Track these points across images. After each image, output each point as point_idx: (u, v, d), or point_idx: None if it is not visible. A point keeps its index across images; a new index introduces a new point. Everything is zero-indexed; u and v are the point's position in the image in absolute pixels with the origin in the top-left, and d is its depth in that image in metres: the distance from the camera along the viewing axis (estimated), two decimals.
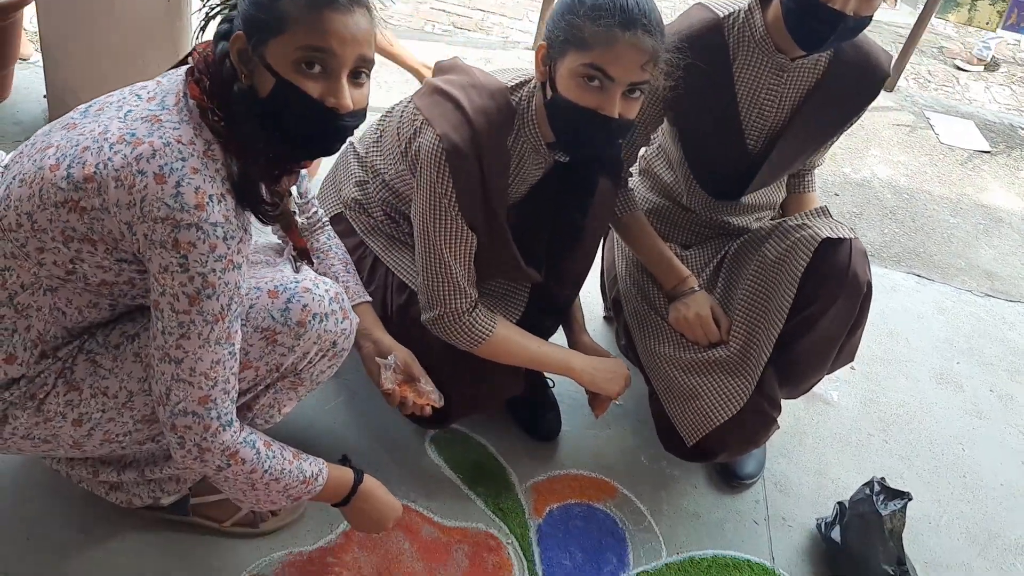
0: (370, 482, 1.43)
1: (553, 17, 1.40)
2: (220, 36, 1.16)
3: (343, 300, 1.36)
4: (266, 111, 1.13)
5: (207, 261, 1.09)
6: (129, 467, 1.42)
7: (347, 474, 1.40)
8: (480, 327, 1.55)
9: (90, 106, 1.18)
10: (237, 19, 1.14)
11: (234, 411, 1.23)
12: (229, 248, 1.10)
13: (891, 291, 2.75)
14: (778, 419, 1.76)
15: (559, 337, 1.79)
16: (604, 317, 2.25)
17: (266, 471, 1.26)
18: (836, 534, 1.77)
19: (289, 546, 1.55)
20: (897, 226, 3.23)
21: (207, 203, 1.08)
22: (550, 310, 1.71)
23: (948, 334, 2.63)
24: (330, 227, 1.63)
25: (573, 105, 1.38)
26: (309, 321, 1.29)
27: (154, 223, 1.06)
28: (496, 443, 1.86)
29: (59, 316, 1.22)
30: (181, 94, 1.14)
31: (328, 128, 1.15)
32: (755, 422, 1.71)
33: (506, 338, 1.58)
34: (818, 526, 1.84)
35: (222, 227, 1.09)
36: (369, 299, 1.60)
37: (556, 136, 1.47)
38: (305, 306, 1.29)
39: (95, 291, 1.20)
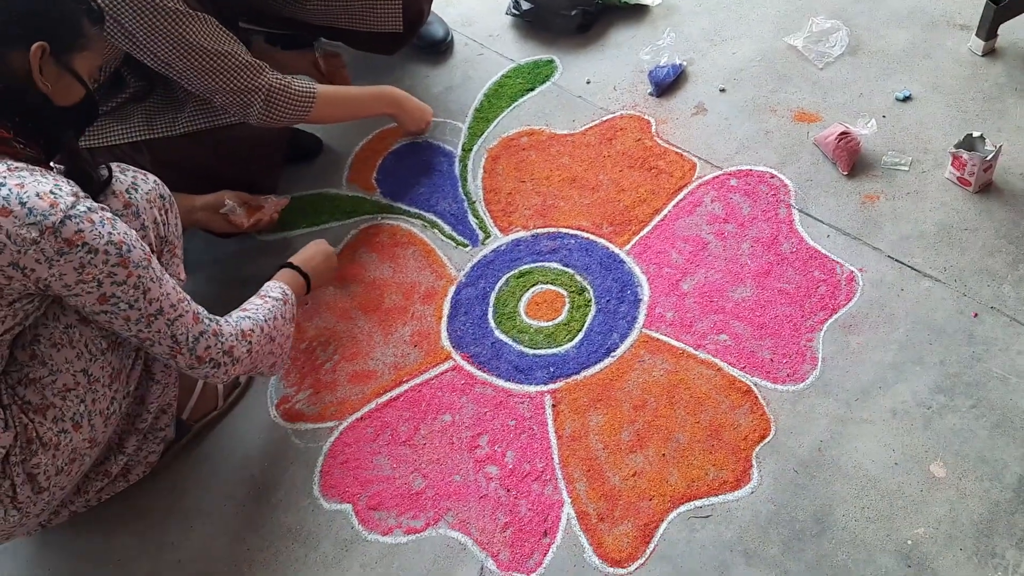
0: (304, 259, 1.56)
1: None
2: None
3: (124, 167, 1.35)
4: (68, 115, 1.21)
5: (100, 232, 1.11)
6: (124, 440, 1.38)
7: (291, 274, 1.52)
8: (304, 85, 1.63)
9: None
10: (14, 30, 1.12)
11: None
12: (97, 212, 1.13)
13: None
14: None
15: None
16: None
17: (266, 319, 1.36)
18: (524, 4, 2.12)
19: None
20: None
21: (55, 198, 1.09)
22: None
23: None
24: None
25: None
26: (128, 196, 1.28)
27: (35, 245, 1.07)
28: (301, 189, 1.93)
29: None
30: None
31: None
32: None
33: (329, 89, 1.69)
34: (510, 14, 2.17)
35: (81, 202, 1.11)
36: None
37: None
38: (115, 191, 1.28)
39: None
